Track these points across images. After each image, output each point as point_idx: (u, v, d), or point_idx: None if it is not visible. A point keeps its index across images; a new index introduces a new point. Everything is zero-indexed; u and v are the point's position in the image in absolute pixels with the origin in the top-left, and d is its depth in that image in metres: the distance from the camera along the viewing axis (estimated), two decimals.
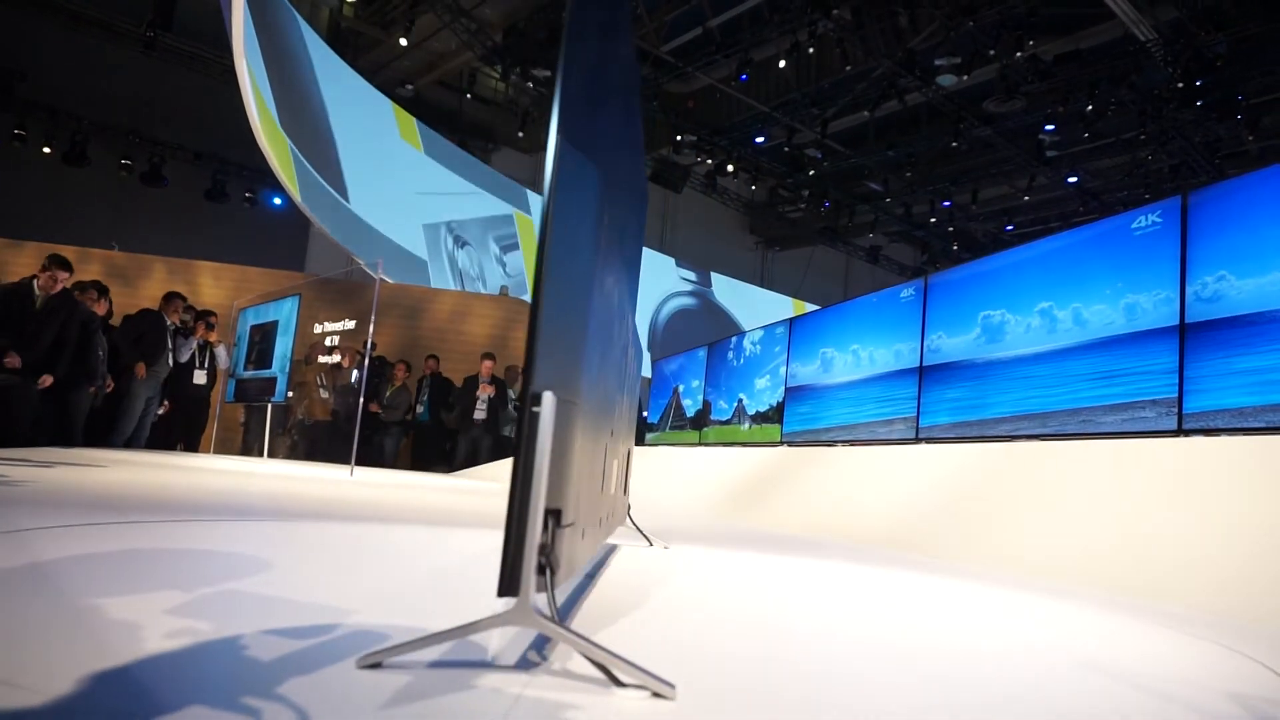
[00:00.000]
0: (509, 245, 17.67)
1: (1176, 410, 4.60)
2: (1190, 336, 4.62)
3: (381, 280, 9.16)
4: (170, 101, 16.15)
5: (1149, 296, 4.88)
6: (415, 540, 3.27)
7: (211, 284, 12.16)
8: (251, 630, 1.43)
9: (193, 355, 9.42)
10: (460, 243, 16.66)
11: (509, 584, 1.20)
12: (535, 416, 1.25)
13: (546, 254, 1.29)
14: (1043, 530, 4.34)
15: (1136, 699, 1.68)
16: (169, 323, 8.96)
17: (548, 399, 1.24)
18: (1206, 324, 4.55)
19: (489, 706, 1.13)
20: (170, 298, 9.17)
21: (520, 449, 1.24)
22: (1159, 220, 4.89)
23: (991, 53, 12.00)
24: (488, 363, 11.14)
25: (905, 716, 1.34)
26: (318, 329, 10.75)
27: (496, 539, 1.65)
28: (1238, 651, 2.35)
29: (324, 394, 10.87)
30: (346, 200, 14.04)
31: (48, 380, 6.89)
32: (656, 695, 1.21)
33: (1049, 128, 13.99)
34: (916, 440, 6.39)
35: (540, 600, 1.30)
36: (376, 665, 1.25)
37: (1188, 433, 4.51)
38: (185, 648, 1.30)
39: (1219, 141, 12.90)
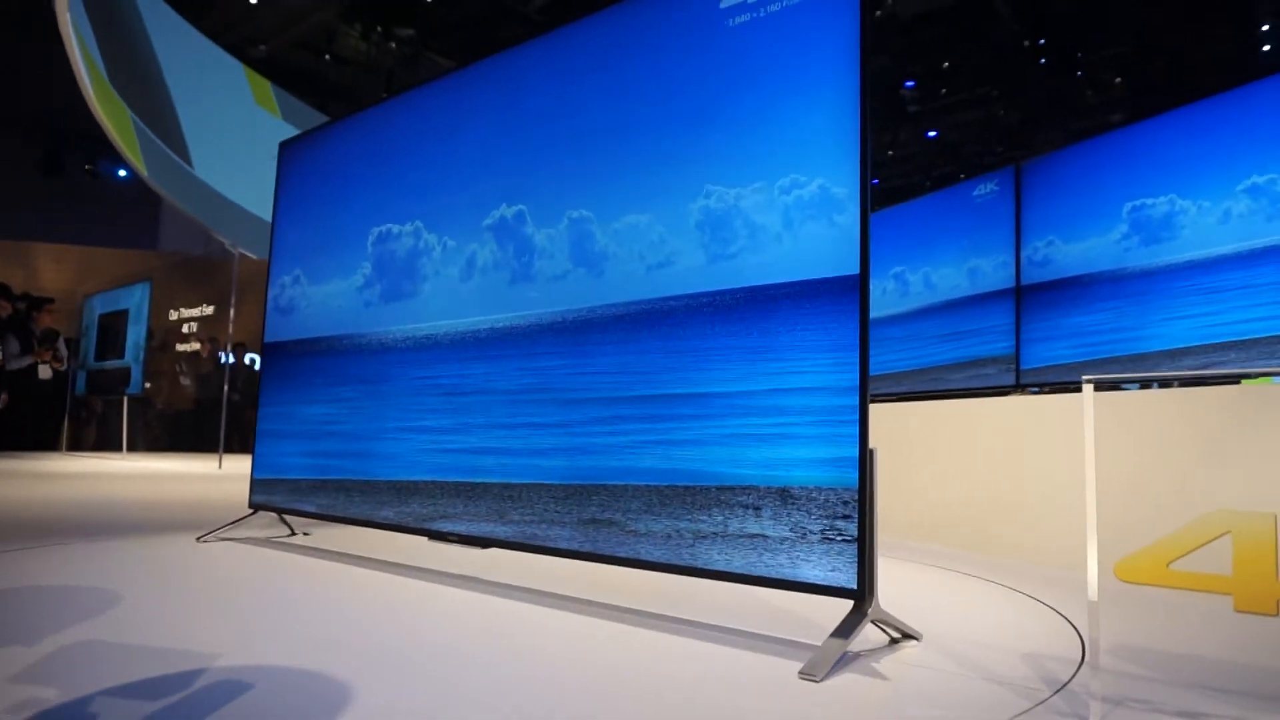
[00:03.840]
0: None
1: (1014, 367, 4.95)
2: (1025, 297, 4.95)
3: (241, 256, 8.71)
4: None
5: (989, 260, 5.19)
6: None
7: (53, 268, 11.27)
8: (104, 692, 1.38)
9: (34, 349, 8.76)
10: None
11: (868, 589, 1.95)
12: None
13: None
14: (904, 488, 4.61)
15: (937, 660, 1.84)
16: None
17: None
18: (1039, 286, 4.89)
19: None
20: None
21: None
22: (996, 189, 5.18)
23: None
24: None
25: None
26: (173, 315, 10.17)
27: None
28: (1052, 608, 2.59)
29: (185, 381, 10.34)
30: (194, 170, 13.19)
31: None
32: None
33: (909, 84, 14.49)
34: None
35: None
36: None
37: (1024, 388, 4.86)
38: None
39: (1065, 97, 13.66)
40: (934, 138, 16.71)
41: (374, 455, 3.27)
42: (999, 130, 15.74)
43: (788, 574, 2.07)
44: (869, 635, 2.13)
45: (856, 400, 2.04)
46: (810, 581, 2.03)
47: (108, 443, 10.46)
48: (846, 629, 1.93)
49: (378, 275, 3.43)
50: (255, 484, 3.83)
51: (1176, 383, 4.17)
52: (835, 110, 2.19)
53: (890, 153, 18.21)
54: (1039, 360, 4.89)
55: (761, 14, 2.38)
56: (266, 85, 15.04)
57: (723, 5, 2.48)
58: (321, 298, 3.72)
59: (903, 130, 16.02)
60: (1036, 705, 1.64)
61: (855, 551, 1.97)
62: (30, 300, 9.07)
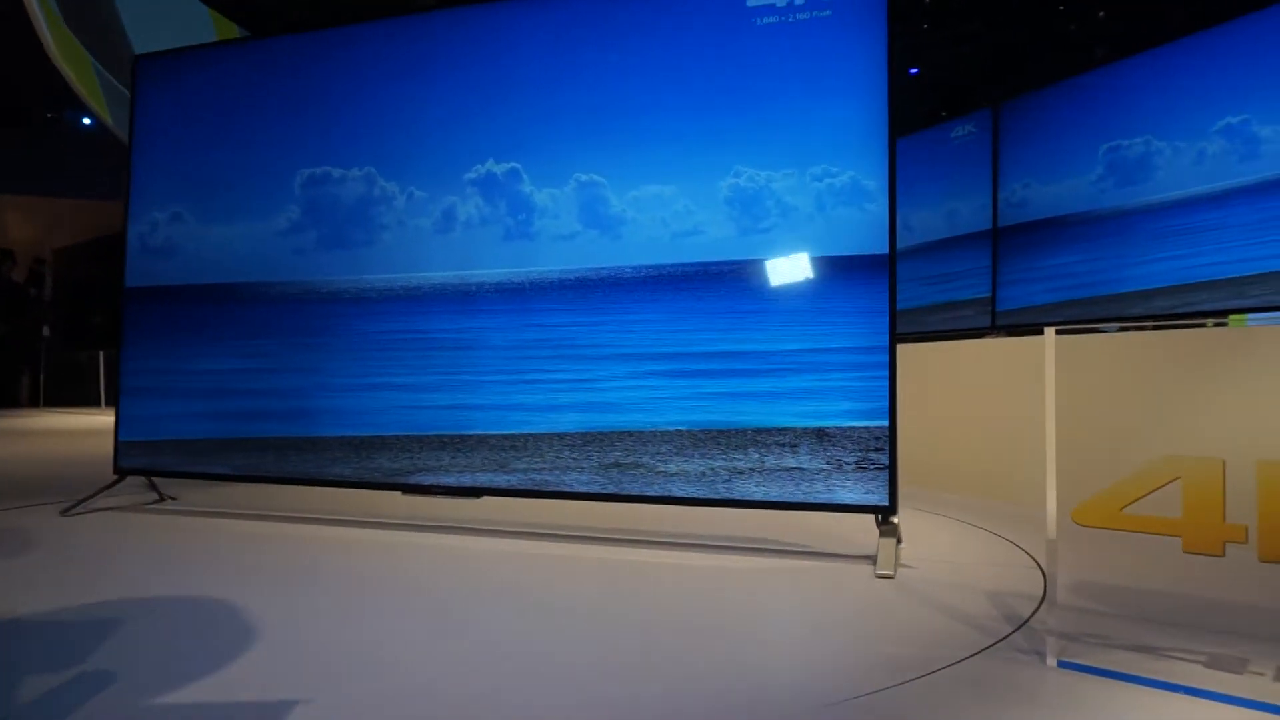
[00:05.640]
0: None
1: (990, 309, 5.00)
2: (1002, 240, 4.98)
3: None
4: None
5: (967, 203, 5.21)
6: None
7: (20, 221, 11.06)
8: None
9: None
10: None
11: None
12: None
13: None
14: None
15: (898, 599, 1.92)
16: None
17: None
18: (1016, 228, 4.92)
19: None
20: None
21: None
22: (974, 130, 5.17)
23: None
24: None
25: None
26: None
27: None
28: (1021, 548, 2.68)
29: None
30: None
31: None
32: None
33: None
34: None
35: None
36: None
37: (999, 330, 4.92)
38: None
39: (1048, 33, 13.53)
40: (915, 74, 16.53)
41: (315, 412, 3.11)
42: (981, 67, 15.59)
43: (825, 498, 2.51)
44: (841, 582, 2.21)
45: (886, 357, 2.51)
46: (848, 503, 2.49)
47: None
48: (891, 531, 2.42)
49: (311, 220, 3.20)
50: (123, 447, 3.40)
51: (1153, 324, 4.24)
52: (865, 114, 2.54)
53: None
54: (1015, 302, 4.94)
55: (790, 20, 2.61)
56: (233, 28, 14.60)
57: (750, 4, 2.64)
58: (220, 240, 3.34)
59: (899, 59, 15.83)
60: (998, 642, 1.72)
61: (887, 477, 2.46)
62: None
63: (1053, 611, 1.63)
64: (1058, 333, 1.61)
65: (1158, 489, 1.47)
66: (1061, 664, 1.59)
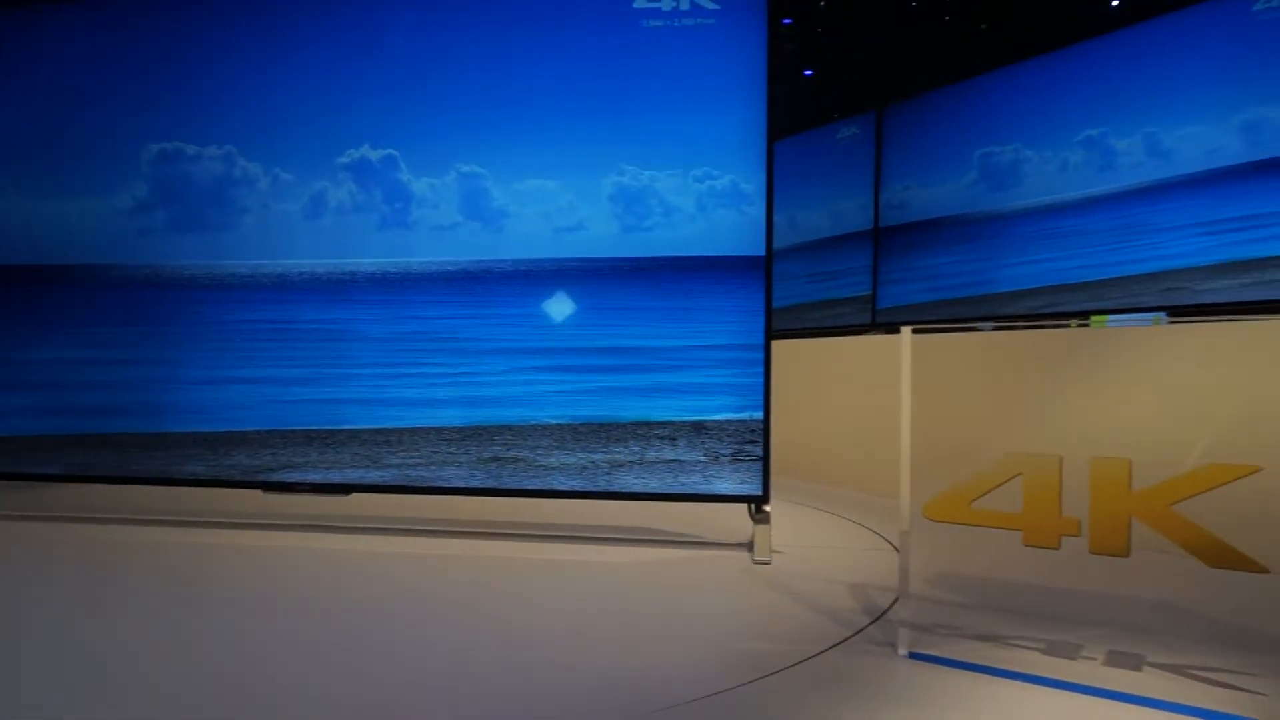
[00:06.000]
0: None
1: (871, 307, 5.15)
2: (883, 240, 5.14)
3: None
4: None
5: (851, 202, 5.34)
6: None
7: None
8: None
9: None
10: None
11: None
12: None
13: None
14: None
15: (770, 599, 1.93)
16: None
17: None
18: (896, 228, 5.08)
19: None
20: None
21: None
22: (858, 132, 5.30)
23: None
24: None
25: None
26: None
27: None
28: (890, 541, 2.76)
29: None
30: None
31: None
32: None
33: (786, 20, 14.55)
34: None
35: None
36: None
37: (879, 327, 5.08)
38: None
39: (935, 41, 14.05)
40: (810, 76, 16.95)
41: (166, 407, 2.92)
42: (874, 70, 16.10)
43: (702, 489, 2.59)
44: (706, 581, 2.21)
45: (762, 354, 2.62)
46: (725, 493, 2.59)
47: None
48: (765, 519, 2.50)
49: (160, 200, 2.98)
50: None
51: (1025, 324, 4.44)
52: (745, 120, 2.64)
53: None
54: (895, 300, 5.10)
55: (676, 24, 2.65)
56: None
57: (636, 5, 2.66)
58: (52, 216, 3.05)
59: (777, 68, 16.16)
60: (855, 635, 1.76)
61: (761, 468, 2.58)
62: None
63: (907, 604, 1.67)
64: (914, 331, 1.64)
65: (1002, 484, 1.53)
66: (912, 655, 1.63)
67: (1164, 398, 1.84)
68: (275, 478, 2.81)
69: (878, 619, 1.86)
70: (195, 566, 2.37)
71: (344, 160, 2.86)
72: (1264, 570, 1.36)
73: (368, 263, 2.87)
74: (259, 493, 2.82)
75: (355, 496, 2.77)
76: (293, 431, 2.83)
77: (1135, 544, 1.45)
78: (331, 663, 1.58)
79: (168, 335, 2.96)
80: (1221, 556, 1.39)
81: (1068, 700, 1.43)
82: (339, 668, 1.56)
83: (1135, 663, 1.58)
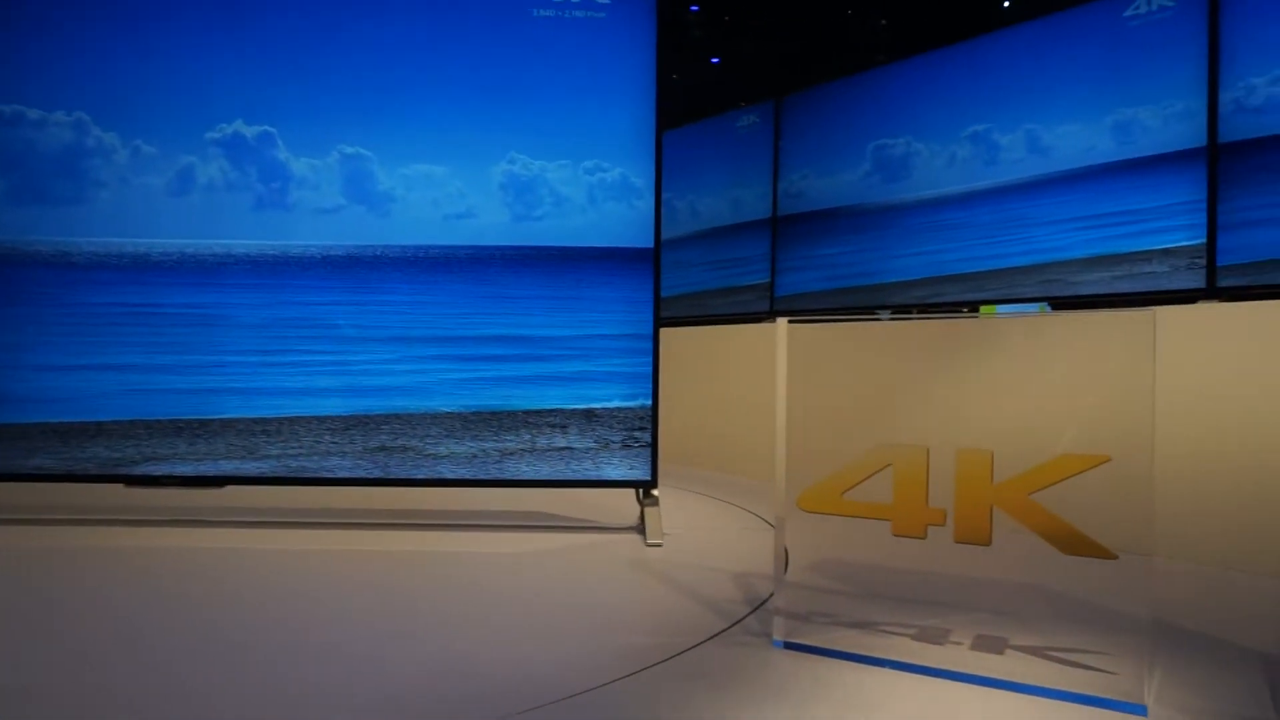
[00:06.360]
0: None
1: (769, 295, 5.22)
2: (780, 228, 5.20)
3: None
4: None
5: (750, 191, 5.39)
6: None
7: None
8: None
9: None
10: None
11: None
12: None
13: None
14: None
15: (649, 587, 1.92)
16: None
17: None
18: (793, 217, 5.15)
19: None
20: None
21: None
22: (758, 120, 5.34)
23: None
24: None
25: None
26: None
27: None
28: (772, 526, 2.79)
29: None
30: None
31: None
32: None
33: (694, 8, 14.59)
34: None
35: None
36: None
37: (778, 314, 5.15)
38: None
39: (837, 33, 14.32)
40: (717, 64, 17.07)
41: (7, 397, 2.71)
42: (773, 60, 16.34)
43: (593, 475, 2.63)
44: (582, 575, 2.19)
45: (650, 343, 2.66)
46: (615, 479, 2.63)
47: None
48: (654, 503, 2.60)
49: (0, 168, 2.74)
50: None
51: (917, 311, 4.57)
52: (635, 114, 2.67)
53: (675, 77, 18.40)
54: (792, 288, 5.17)
55: (567, 15, 2.65)
56: None
57: None
58: None
59: (684, 54, 16.23)
60: (733, 625, 1.76)
61: (649, 454, 2.62)
62: None
63: (783, 593, 1.69)
64: (790, 321, 1.65)
65: (872, 476, 1.55)
66: (787, 645, 1.64)
67: (1032, 389, 1.90)
68: (139, 471, 2.64)
69: (757, 609, 1.87)
70: (44, 568, 2.20)
71: (214, 135, 2.70)
72: (1113, 556, 1.42)
73: (242, 245, 2.72)
74: (120, 487, 2.65)
75: (230, 489, 2.64)
76: (159, 422, 2.66)
77: (997, 532, 1.50)
78: (178, 666, 1.49)
79: (8, 317, 2.73)
80: (1075, 544, 1.44)
81: (935, 687, 1.46)
82: (185, 669, 1.46)
83: (999, 646, 1.63)
